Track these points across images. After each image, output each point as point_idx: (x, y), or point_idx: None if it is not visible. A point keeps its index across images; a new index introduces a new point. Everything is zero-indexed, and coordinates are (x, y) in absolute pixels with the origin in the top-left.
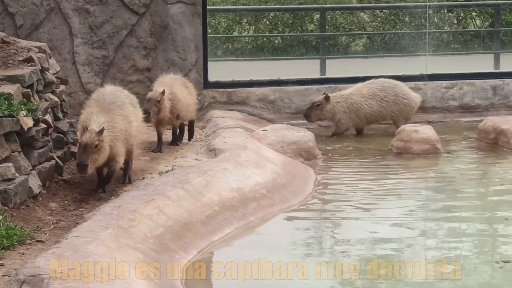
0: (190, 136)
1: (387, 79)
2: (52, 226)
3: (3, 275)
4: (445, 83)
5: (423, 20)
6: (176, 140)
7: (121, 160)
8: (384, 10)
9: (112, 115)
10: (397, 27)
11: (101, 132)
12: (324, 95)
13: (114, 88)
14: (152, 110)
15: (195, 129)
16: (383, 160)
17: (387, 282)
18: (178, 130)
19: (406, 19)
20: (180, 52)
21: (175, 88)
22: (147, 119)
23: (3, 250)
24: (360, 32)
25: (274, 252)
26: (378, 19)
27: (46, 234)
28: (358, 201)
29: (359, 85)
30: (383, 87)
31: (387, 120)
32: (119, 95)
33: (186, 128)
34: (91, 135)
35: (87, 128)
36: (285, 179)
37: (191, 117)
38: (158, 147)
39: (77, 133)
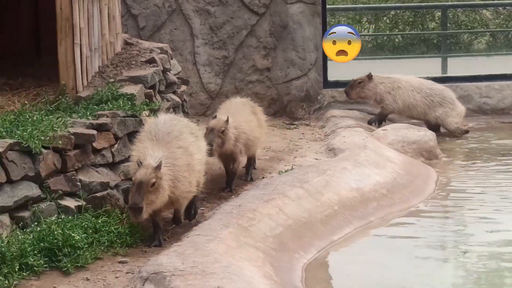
0: (247, 174)
1: (437, 84)
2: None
3: (127, 272)
4: None
5: None
6: (229, 186)
7: (184, 203)
8: (507, 7)
9: (170, 149)
10: None
11: (159, 167)
12: (368, 74)
13: (170, 116)
14: (215, 142)
15: (314, 133)
16: (508, 160)
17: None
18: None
19: None
20: (300, 52)
21: (241, 117)
22: (210, 152)
23: (127, 248)
24: (482, 29)
25: (395, 253)
26: (501, 16)
27: (167, 232)
28: (481, 202)
29: (410, 76)
30: (431, 87)
31: (429, 119)
32: (176, 124)
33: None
34: (147, 171)
35: (141, 163)
36: (405, 179)
37: (253, 152)
38: (227, 186)
39: (130, 171)
